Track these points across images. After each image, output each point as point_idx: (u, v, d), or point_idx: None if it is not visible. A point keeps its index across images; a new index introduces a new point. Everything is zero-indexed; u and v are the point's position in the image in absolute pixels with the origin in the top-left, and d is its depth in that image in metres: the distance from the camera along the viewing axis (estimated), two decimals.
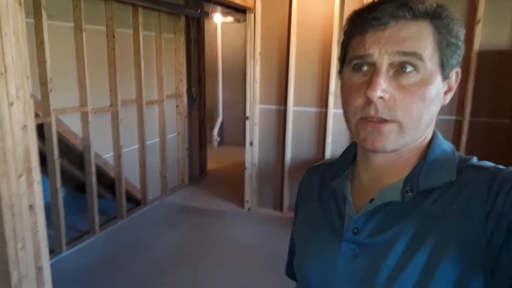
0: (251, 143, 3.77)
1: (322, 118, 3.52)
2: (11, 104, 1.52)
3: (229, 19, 6.11)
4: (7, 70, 1.49)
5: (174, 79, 4.26)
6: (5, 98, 1.50)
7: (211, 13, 4.66)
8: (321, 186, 0.72)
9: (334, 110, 3.44)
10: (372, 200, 0.59)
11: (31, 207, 1.73)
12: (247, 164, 3.83)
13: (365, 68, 0.55)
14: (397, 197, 0.57)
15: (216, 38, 6.47)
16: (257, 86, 3.65)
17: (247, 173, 3.85)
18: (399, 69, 0.53)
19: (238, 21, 6.04)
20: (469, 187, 0.54)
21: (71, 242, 3.11)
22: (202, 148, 4.90)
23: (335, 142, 3.51)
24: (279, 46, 3.53)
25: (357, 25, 0.55)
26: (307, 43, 3.43)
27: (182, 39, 4.23)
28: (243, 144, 3.90)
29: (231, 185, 4.63)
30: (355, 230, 0.60)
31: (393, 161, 0.59)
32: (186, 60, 4.32)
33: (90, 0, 3.01)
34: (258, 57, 3.59)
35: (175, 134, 4.38)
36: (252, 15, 3.51)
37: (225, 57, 6.60)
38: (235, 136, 6.56)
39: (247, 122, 3.74)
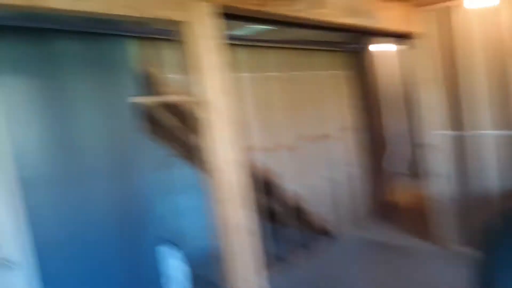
0: (437, 174, 3.53)
1: None
2: (231, 146, 1.95)
3: (389, 47, 6.05)
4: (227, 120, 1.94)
5: (346, 112, 4.47)
6: (227, 142, 1.93)
7: (370, 45, 4.77)
8: None
9: None
10: None
11: (248, 230, 2.09)
12: (438, 197, 3.55)
13: None
14: None
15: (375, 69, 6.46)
16: (431, 111, 3.48)
17: (440, 206, 3.56)
18: None
19: (397, 48, 5.92)
20: None
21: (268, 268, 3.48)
22: (384, 180, 4.82)
23: None
24: (449, 68, 3.33)
25: None
26: (475, 60, 3.17)
27: (350, 74, 4.45)
28: (426, 175, 3.66)
29: (420, 219, 4.26)
30: None
31: None
32: (356, 93, 4.51)
33: (273, 52, 3.59)
34: (428, 82, 3.46)
35: (356, 167, 4.49)
36: (417, 41, 3.45)
37: (387, 86, 6.48)
38: (415, 167, 6.18)
39: (429, 151, 3.55)
